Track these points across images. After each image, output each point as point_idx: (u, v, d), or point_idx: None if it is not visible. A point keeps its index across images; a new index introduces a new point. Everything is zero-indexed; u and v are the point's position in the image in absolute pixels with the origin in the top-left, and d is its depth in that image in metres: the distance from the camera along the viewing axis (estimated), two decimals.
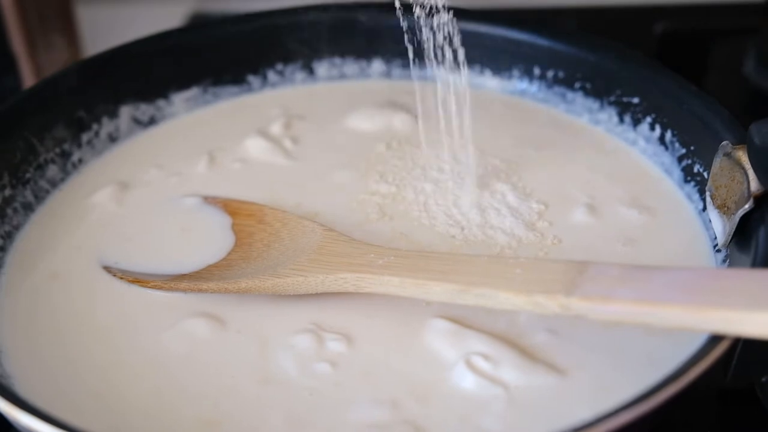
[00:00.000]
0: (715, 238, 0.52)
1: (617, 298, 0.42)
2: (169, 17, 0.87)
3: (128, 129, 0.65)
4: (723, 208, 0.51)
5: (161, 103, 0.66)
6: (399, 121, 0.64)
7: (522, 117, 0.65)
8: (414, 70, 0.63)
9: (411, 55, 0.57)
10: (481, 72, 0.68)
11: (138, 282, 0.53)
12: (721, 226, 0.51)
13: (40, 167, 0.60)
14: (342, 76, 0.70)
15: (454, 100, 0.62)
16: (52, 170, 0.61)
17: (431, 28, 0.55)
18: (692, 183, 0.57)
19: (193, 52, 0.67)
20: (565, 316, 0.43)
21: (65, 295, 0.53)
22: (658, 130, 0.60)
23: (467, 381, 0.46)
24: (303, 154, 0.63)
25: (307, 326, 0.49)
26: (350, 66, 0.70)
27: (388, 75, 0.69)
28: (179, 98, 0.67)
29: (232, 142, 0.64)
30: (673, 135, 0.59)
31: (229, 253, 0.54)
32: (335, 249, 0.51)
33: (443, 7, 0.55)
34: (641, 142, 0.61)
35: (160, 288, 0.52)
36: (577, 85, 0.64)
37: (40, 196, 0.59)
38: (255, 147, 0.63)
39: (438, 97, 0.59)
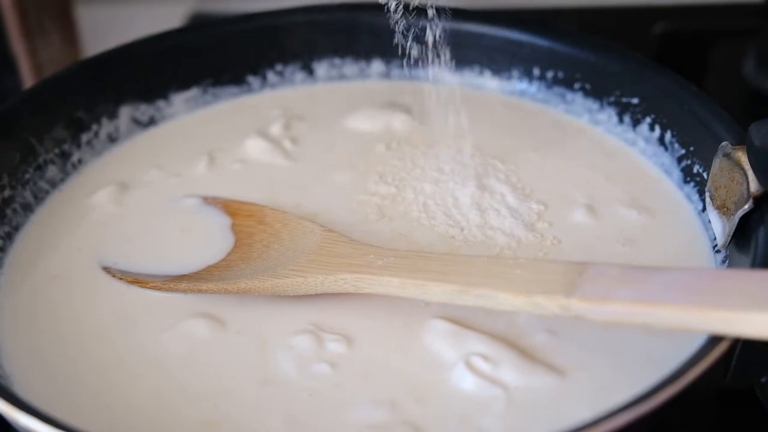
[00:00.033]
0: (715, 238, 0.52)
1: (617, 299, 0.42)
2: (168, 17, 0.87)
3: (128, 129, 0.65)
4: (722, 209, 0.51)
5: (161, 103, 0.66)
6: (398, 122, 0.64)
7: (522, 117, 0.65)
8: (413, 71, 0.64)
9: (405, 53, 0.58)
10: (481, 73, 0.68)
11: (137, 282, 0.53)
12: (720, 227, 0.51)
13: (40, 168, 0.60)
14: (341, 77, 0.70)
15: (453, 101, 0.62)
16: (52, 171, 0.61)
17: (419, 28, 0.56)
18: (692, 183, 0.57)
19: (193, 53, 0.67)
20: (565, 317, 0.43)
21: (65, 296, 0.53)
22: (657, 130, 0.60)
23: (467, 382, 0.46)
24: (303, 154, 0.63)
25: (307, 327, 0.49)
26: (350, 66, 0.70)
27: (387, 75, 0.69)
28: (179, 99, 0.67)
29: (232, 143, 0.64)
30: (673, 135, 0.59)
31: (229, 254, 0.54)
32: (335, 250, 0.51)
33: (431, 6, 0.55)
34: (641, 143, 0.61)
35: (159, 288, 0.52)
36: (577, 85, 0.64)
37: (39, 197, 0.59)
38: (255, 147, 0.63)
39: (438, 98, 0.59)
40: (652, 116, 0.61)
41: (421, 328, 0.49)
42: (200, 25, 0.83)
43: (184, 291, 0.52)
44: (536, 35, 0.65)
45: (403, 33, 0.56)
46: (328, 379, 0.47)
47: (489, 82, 0.68)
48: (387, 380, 0.46)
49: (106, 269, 0.54)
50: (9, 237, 0.56)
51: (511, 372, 0.46)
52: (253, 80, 0.69)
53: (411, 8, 0.55)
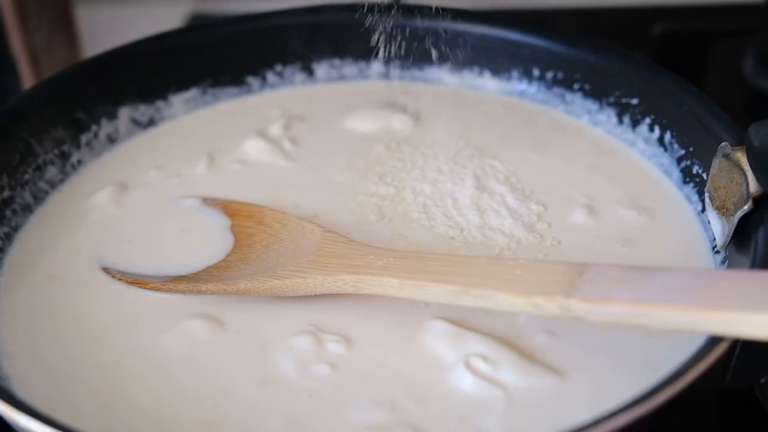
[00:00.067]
0: (714, 239, 0.52)
1: (616, 300, 0.42)
2: (168, 18, 0.87)
3: (127, 130, 0.65)
4: (722, 210, 0.51)
5: (160, 104, 0.66)
6: (398, 122, 0.64)
7: (521, 118, 0.65)
8: (414, 71, 0.64)
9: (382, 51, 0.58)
10: (481, 73, 0.68)
11: (137, 283, 0.53)
12: (720, 228, 0.51)
13: (39, 168, 0.60)
14: (341, 78, 0.70)
15: (453, 102, 0.62)
16: (51, 171, 0.61)
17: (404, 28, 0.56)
18: (691, 184, 0.57)
19: (193, 53, 0.67)
20: (564, 318, 0.43)
21: (64, 296, 0.53)
22: (657, 131, 0.60)
23: (466, 382, 0.46)
24: (302, 155, 0.63)
25: (306, 328, 0.49)
26: (349, 67, 0.69)
27: (387, 76, 0.69)
28: (178, 99, 0.67)
29: (232, 144, 0.64)
30: (672, 136, 0.59)
31: (228, 255, 0.54)
32: (334, 250, 0.51)
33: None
34: (640, 143, 0.61)
35: (159, 289, 0.52)
36: (576, 86, 0.64)
37: (39, 198, 0.59)
38: (254, 148, 0.63)
39: (437, 99, 0.59)
40: (652, 117, 0.61)
41: (420, 328, 0.49)
42: (200, 25, 0.83)
43: (184, 292, 0.52)
44: (536, 36, 0.65)
45: (383, 31, 0.57)
46: (328, 380, 0.47)
47: (488, 83, 0.68)
48: (386, 381, 0.46)
49: (106, 270, 0.54)
50: (8, 238, 0.56)
51: (510, 372, 0.46)
52: (253, 81, 0.69)
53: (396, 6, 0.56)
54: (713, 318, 0.40)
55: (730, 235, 0.50)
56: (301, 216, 0.55)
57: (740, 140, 0.51)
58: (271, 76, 0.69)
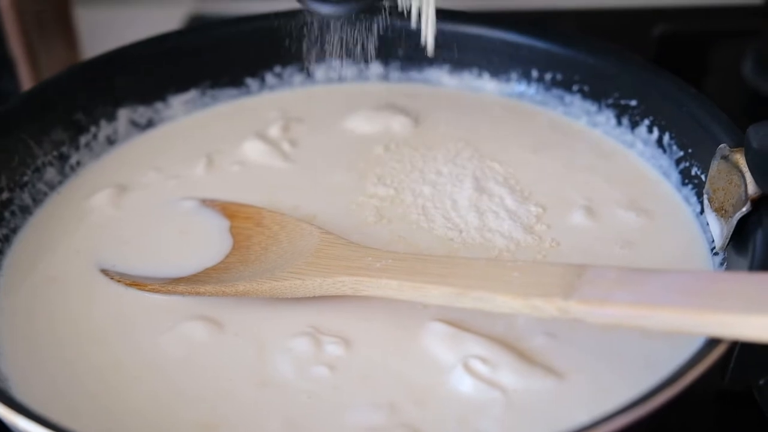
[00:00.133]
0: (713, 241, 0.52)
1: (615, 301, 0.42)
2: (167, 19, 0.87)
3: (126, 132, 0.65)
4: (720, 211, 0.51)
5: (159, 105, 0.66)
6: (397, 124, 0.64)
7: (520, 119, 0.65)
8: (413, 73, 0.64)
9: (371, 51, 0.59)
10: (480, 75, 0.68)
11: (135, 285, 0.53)
12: (718, 229, 0.51)
13: (38, 170, 0.60)
14: (340, 79, 0.70)
15: (452, 103, 0.62)
16: (50, 173, 0.61)
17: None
18: (690, 186, 0.57)
19: (192, 55, 0.67)
20: (563, 319, 0.43)
21: (63, 298, 0.53)
22: (656, 132, 0.60)
23: (465, 384, 0.46)
24: (301, 156, 0.63)
25: (305, 329, 0.49)
26: (348, 68, 0.69)
27: (386, 78, 0.69)
28: (177, 101, 0.67)
29: (231, 145, 0.64)
30: (671, 138, 0.59)
31: (227, 256, 0.54)
32: (333, 252, 0.51)
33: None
34: (639, 145, 0.61)
35: (157, 291, 0.52)
36: (575, 87, 0.64)
37: (38, 199, 0.59)
38: (253, 150, 0.63)
39: (437, 100, 0.59)
40: (651, 118, 0.61)
41: (419, 330, 0.49)
42: (199, 27, 0.83)
43: (182, 293, 0.52)
44: (535, 37, 0.65)
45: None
46: (327, 382, 0.47)
47: (487, 84, 0.68)
48: (385, 383, 0.46)
49: (105, 271, 0.54)
50: (7, 239, 0.56)
51: (509, 374, 0.46)
52: (252, 82, 0.69)
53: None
54: (712, 320, 0.40)
55: (729, 236, 0.50)
56: (300, 217, 0.55)
57: (739, 142, 0.51)
58: (270, 78, 0.69)
